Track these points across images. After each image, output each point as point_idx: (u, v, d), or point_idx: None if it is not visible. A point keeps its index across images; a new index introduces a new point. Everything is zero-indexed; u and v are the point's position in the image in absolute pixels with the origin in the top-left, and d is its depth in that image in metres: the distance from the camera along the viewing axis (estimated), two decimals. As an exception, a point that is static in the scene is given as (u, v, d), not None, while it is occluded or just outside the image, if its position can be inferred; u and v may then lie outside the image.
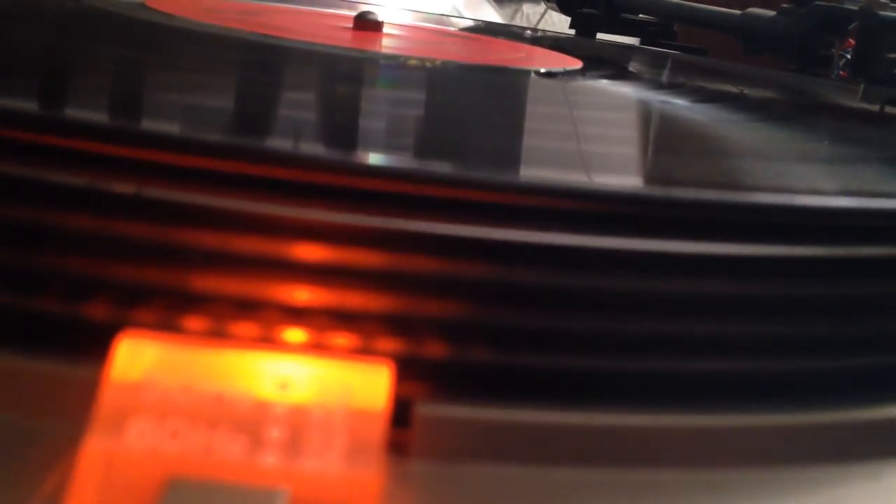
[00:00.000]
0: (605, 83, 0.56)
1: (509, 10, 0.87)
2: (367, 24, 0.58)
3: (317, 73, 0.44)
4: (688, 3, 0.79)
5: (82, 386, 0.19)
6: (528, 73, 0.55)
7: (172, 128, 0.25)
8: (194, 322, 0.21)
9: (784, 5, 0.69)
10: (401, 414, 0.20)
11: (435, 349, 0.21)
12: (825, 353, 0.24)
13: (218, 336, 0.21)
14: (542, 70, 0.55)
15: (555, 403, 0.21)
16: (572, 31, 0.84)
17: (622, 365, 0.22)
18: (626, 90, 0.55)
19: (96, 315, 0.21)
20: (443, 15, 0.84)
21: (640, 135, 0.40)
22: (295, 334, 0.21)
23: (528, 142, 0.34)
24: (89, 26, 0.49)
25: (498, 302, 0.22)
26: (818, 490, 0.22)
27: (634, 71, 0.66)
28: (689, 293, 0.23)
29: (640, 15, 0.84)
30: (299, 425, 0.18)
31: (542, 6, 0.83)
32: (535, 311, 0.22)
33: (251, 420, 0.18)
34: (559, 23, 0.82)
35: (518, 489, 0.20)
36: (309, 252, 0.21)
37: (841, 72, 0.74)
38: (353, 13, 0.59)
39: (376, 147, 0.30)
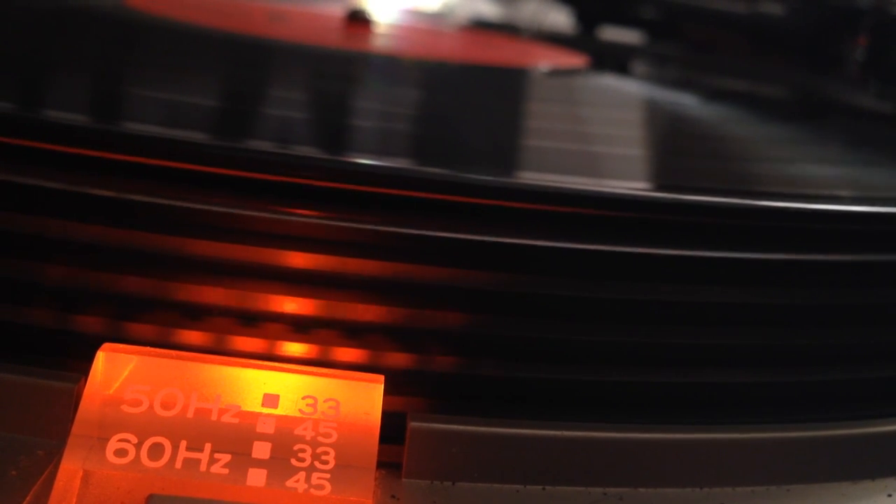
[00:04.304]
0: (609, 81, 0.57)
1: (507, 4, 0.87)
2: (359, 22, 0.58)
3: (305, 73, 0.44)
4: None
5: (61, 400, 0.19)
6: (528, 71, 0.55)
7: (157, 130, 0.25)
8: (176, 335, 0.21)
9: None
10: (393, 429, 0.20)
11: (429, 362, 0.21)
12: (833, 365, 0.24)
13: (201, 349, 0.21)
14: (543, 68, 0.55)
15: (556, 419, 0.21)
16: (574, 26, 0.84)
17: (623, 378, 0.22)
18: (630, 88, 0.55)
19: (75, 327, 0.21)
20: (438, 11, 0.84)
21: (645, 135, 0.40)
22: (275, 347, 0.21)
23: (528, 143, 0.34)
24: (70, 26, 0.49)
25: (497, 313, 0.22)
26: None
27: (639, 69, 0.67)
28: (695, 302, 0.23)
29: (646, 11, 0.84)
30: (286, 442, 0.18)
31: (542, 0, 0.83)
32: (538, 321, 0.22)
33: (236, 436, 0.18)
34: (560, 18, 0.82)
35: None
36: (299, 260, 0.21)
37: (854, 71, 0.74)
38: (346, 11, 0.59)
39: (367, 150, 0.30)
